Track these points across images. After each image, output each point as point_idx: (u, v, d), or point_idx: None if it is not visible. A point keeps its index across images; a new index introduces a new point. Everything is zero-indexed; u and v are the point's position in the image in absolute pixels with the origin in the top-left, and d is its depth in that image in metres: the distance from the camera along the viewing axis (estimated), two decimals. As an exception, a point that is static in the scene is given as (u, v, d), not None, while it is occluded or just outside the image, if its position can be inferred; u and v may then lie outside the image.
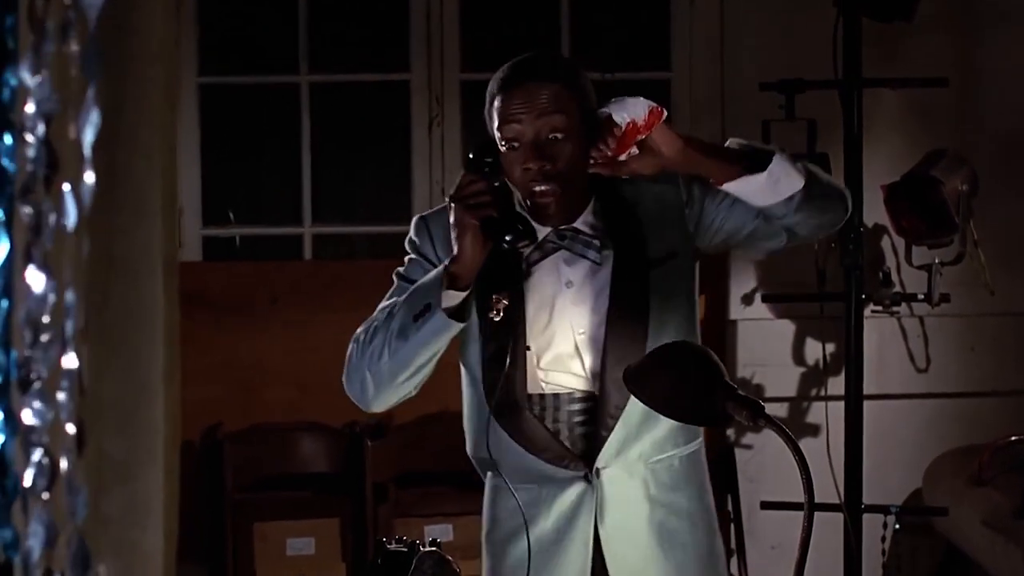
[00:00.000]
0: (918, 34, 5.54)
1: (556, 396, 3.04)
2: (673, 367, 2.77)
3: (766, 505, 5.45)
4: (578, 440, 3.04)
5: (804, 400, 5.88)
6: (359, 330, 3.01)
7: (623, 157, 2.86)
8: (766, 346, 5.86)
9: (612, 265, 3.00)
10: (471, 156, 2.93)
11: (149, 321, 1.37)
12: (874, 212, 5.46)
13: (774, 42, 5.76)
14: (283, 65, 6.04)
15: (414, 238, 3.10)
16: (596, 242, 3.01)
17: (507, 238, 2.87)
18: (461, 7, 6.03)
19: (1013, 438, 5.32)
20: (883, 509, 5.26)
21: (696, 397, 2.71)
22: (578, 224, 3.03)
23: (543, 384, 3.03)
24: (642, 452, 3.05)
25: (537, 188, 2.92)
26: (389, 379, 2.96)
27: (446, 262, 2.90)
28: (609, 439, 3.01)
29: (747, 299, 5.86)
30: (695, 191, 3.03)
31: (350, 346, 3.01)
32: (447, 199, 2.90)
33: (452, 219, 2.87)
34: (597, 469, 3.02)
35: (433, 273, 2.92)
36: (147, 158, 1.42)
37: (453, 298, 2.88)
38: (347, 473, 5.76)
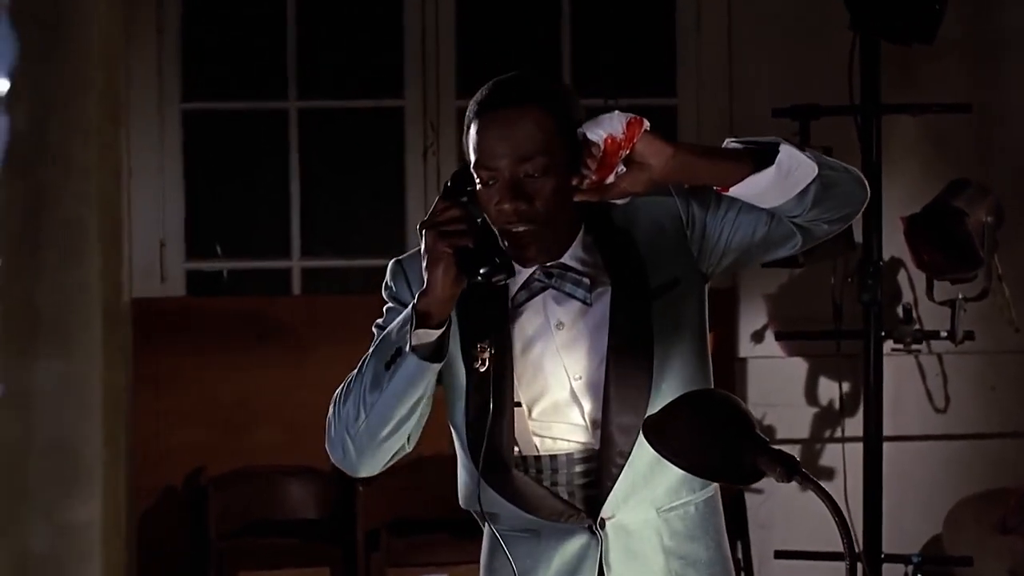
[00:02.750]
0: (936, 59, 5.43)
1: (553, 458, 2.80)
2: (698, 418, 2.52)
3: (780, 554, 5.28)
4: (579, 492, 2.80)
5: (817, 442, 5.74)
6: (337, 390, 2.77)
7: (610, 179, 2.60)
8: (777, 385, 5.69)
9: (610, 300, 2.75)
10: (448, 184, 2.69)
11: (84, 394, 1.10)
12: (890, 245, 5.31)
13: (785, 67, 5.66)
14: (271, 90, 5.95)
15: (390, 283, 2.85)
16: (586, 279, 2.75)
17: (482, 271, 2.62)
18: (457, 30, 5.93)
19: (1040, 484, 5.14)
20: (904, 559, 5.12)
21: (724, 452, 2.48)
22: (566, 259, 2.78)
23: (536, 443, 2.79)
24: (654, 499, 2.79)
25: (514, 229, 2.68)
26: (369, 439, 2.71)
27: (415, 299, 2.65)
28: (615, 488, 2.76)
29: (757, 336, 5.72)
30: (694, 211, 2.78)
31: (329, 408, 2.76)
32: (418, 227, 2.66)
33: (423, 247, 2.64)
34: (602, 519, 2.77)
35: (403, 314, 2.68)
36: (82, 182, 1.14)
37: (425, 337, 2.64)
38: (337, 520, 5.66)
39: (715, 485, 2.88)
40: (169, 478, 5.66)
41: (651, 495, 2.78)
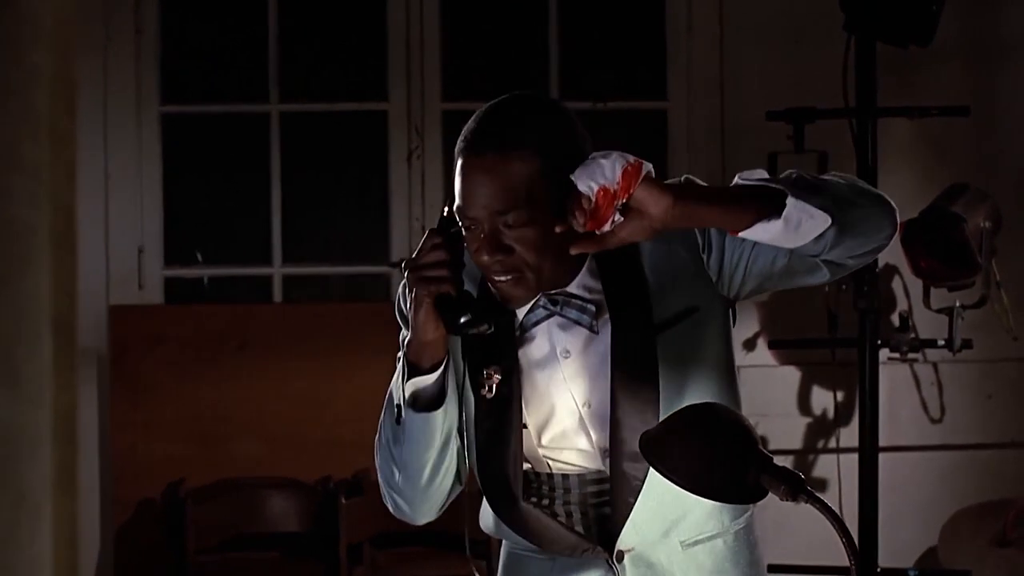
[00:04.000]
0: (932, 61, 5.37)
1: (565, 477, 2.69)
2: (697, 434, 2.40)
3: (773, 568, 5.13)
4: (593, 514, 2.69)
5: (810, 453, 5.65)
6: (376, 438, 2.71)
7: (606, 227, 2.43)
8: (769, 395, 5.61)
9: (611, 333, 2.63)
10: (442, 215, 2.57)
11: (30, 421, 0.98)
12: (885, 251, 5.09)
13: (778, 69, 5.58)
14: (252, 93, 5.88)
15: (404, 308, 2.70)
16: (591, 307, 2.63)
17: (462, 320, 2.52)
18: (443, 32, 5.85)
19: (1040, 495, 5.05)
20: (901, 573, 5.06)
21: (725, 469, 2.37)
22: (572, 288, 2.65)
23: (547, 462, 2.69)
24: (677, 532, 2.67)
25: (496, 279, 2.57)
26: (412, 490, 2.67)
27: (405, 347, 2.58)
28: (630, 518, 2.63)
29: (749, 344, 5.64)
30: (711, 235, 2.62)
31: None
32: (402, 267, 2.57)
33: (407, 288, 2.56)
34: (620, 552, 2.66)
35: (398, 367, 2.61)
36: (32, 181, 1.01)
37: (423, 383, 2.57)
38: (320, 533, 5.56)
39: (749, 513, 2.77)
40: (147, 491, 5.58)
41: (674, 528, 2.67)
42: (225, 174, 5.97)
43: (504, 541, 2.81)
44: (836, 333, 5.21)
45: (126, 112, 5.67)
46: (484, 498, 2.75)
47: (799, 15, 5.56)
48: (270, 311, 5.81)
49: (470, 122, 2.57)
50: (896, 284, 5.60)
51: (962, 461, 5.69)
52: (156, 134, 5.77)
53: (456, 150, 2.56)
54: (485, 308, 2.55)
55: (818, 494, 2.33)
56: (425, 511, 2.70)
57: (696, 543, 2.68)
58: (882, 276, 5.30)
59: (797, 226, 2.44)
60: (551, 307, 2.64)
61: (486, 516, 2.76)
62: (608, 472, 2.64)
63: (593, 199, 2.39)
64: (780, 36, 5.61)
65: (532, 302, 2.63)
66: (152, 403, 5.55)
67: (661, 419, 2.58)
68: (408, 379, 2.55)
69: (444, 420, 2.60)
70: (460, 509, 2.75)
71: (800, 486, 2.31)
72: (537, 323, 2.65)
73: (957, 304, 5.15)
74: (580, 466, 2.67)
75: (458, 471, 2.69)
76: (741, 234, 2.47)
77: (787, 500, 2.32)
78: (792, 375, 5.64)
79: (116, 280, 5.66)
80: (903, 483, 5.57)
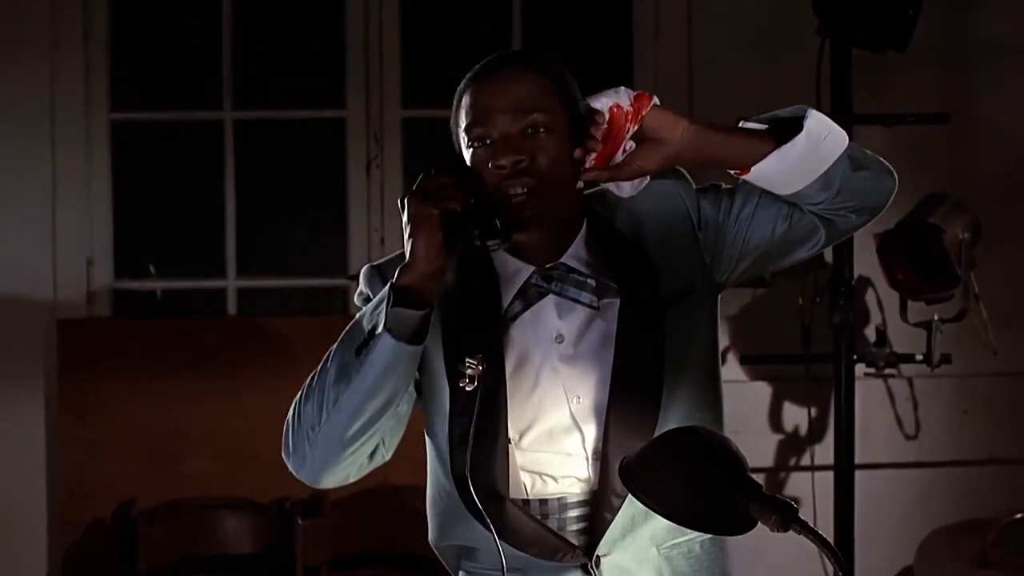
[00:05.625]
0: (906, 68, 5.31)
1: (543, 502, 2.52)
2: (681, 461, 2.26)
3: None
4: (573, 528, 2.53)
5: (783, 471, 5.57)
6: (299, 394, 2.48)
7: (619, 156, 2.38)
8: (740, 411, 5.44)
9: (619, 309, 2.48)
10: (433, 169, 2.43)
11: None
12: (858, 264, 5.15)
13: (749, 74, 5.49)
14: (205, 100, 5.79)
15: (364, 289, 2.57)
16: (591, 281, 2.49)
17: (476, 232, 2.35)
18: (402, 37, 5.76)
19: (1020, 515, 4.95)
20: None
21: (712, 499, 2.24)
22: (567, 259, 2.51)
23: (525, 483, 2.51)
24: (654, 535, 2.53)
25: (512, 190, 2.41)
26: (333, 439, 2.42)
27: (394, 276, 2.37)
28: (613, 523, 2.49)
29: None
30: (706, 211, 2.52)
31: (288, 412, 2.48)
32: (400, 199, 2.39)
33: (405, 216, 2.36)
34: (597, 556, 2.51)
35: (379, 295, 2.40)
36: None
37: (405, 318, 2.35)
38: (276, 555, 5.47)
39: None
40: (97, 511, 5.47)
41: (651, 530, 2.52)
42: (177, 183, 5.89)
43: (459, 573, 2.63)
44: (810, 348, 5.17)
45: (74, 119, 5.57)
46: (441, 506, 2.57)
47: (771, 19, 5.50)
48: (224, 325, 5.72)
49: (472, 70, 2.50)
50: (870, 297, 5.53)
51: (937, 479, 5.64)
52: (105, 142, 5.68)
53: (460, 91, 2.49)
54: (499, 221, 2.38)
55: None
56: (334, 472, 2.47)
57: (673, 547, 2.56)
58: (856, 289, 5.22)
59: (817, 144, 2.36)
60: (545, 284, 2.49)
61: (446, 526, 2.58)
62: (595, 479, 2.49)
63: (606, 115, 2.35)
64: (750, 40, 5.54)
65: (524, 280, 2.49)
66: (102, 420, 5.46)
67: (660, 411, 2.47)
68: (393, 306, 2.34)
69: (412, 369, 2.41)
70: (422, 529, 2.61)
71: (792, 516, 2.20)
72: (528, 306, 2.50)
73: (936, 318, 5.11)
74: (562, 479, 2.51)
75: (380, 444, 2.48)
76: (754, 169, 2.38)
77: (778, 530, 2.21)
78: (764, 391, 5.56)
79: (64, 293, 5.56)
80: (877, 501, 5.51)
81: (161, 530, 5.43)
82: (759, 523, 2.23)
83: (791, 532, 2.20)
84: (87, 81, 5.60)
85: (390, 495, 5.17)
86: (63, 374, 5.45)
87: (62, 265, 5.56)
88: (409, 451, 2.63)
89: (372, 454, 2.49)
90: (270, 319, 5.73)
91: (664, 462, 2.25)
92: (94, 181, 5.64)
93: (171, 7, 5.84)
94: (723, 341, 5.38)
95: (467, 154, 2.44)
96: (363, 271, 2.59)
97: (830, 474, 5.03)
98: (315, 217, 5.87)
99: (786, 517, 2.18)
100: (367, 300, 2.51)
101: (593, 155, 2.37)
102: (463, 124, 2.45)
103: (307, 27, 5.85)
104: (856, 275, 5.20)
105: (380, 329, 2.33)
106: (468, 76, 2.48)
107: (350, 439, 2.42)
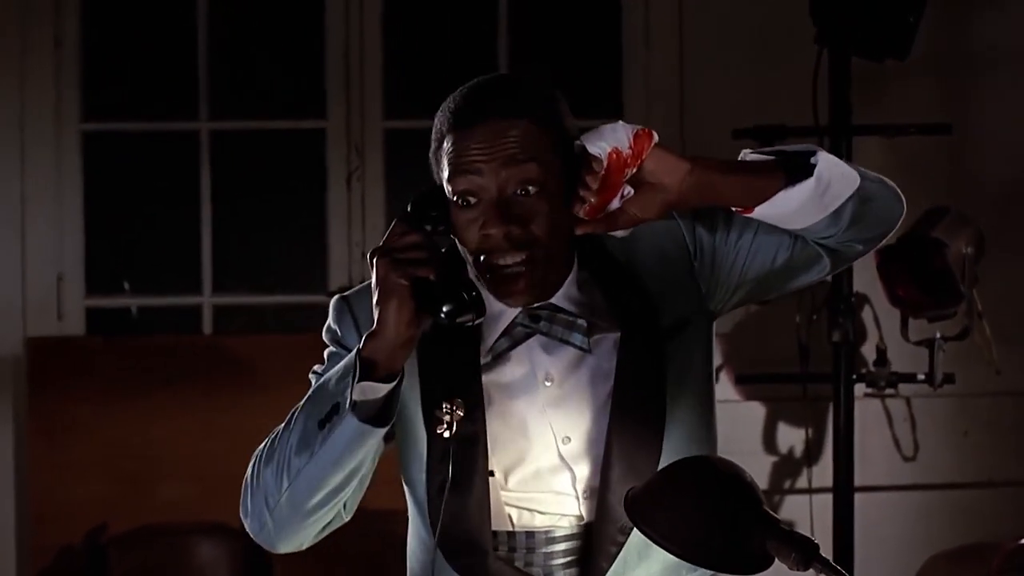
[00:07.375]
0: (905, 77, 5.24)
1: (530, 535, 2.39)
2: (692, 494, 2.15)
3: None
4: (560, 562, 2.41)
5: (778, 493, 5.51)
6: (260, 446, 2.38)
7: (616, 203, 2.23)
8: (734, 432, 5.28)
9: (619, 345, 2.37)
10: (409, 208, 2.30)
11: None
12: (858, 280, 5.08)
13: (742, 85, 5.43)
14: (180, 110, 5.75)
15: (333, 325, 2.49)
16: (581, 322, 2.36)
17: (445, 308, 2.21)
18: (384, 46, 5.69)
19: (1024, 541, 4.89)
20: None
21: (726, 535, 2.13)
22: (557, 300, 2.38)
23: (511, 516, 2.39)
24: None
25: (502, 261, 2.28)
26: (291, 511, 2.32)
27: (361, 343, 2.25)
28: (611, 570, 2.38)
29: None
30: (702, 237, 2.42)
31: (248, 467, 2.38)
32: (368, 255, 2.27)
33: (374, 279, 2.24)
34: None
35: (345, 359, 2.28)
36: None
37: (371, 392, 2.23)
38: None
39: None
40: (67, 536, 5.39)
41: (644, 573, 2.41)
42: (151, 197, 5.85)
43: None
44: (808, 367, 5.11)
45: (44, 129, 5.51)
46: (420, 548, 2.46)
47: (765, 28, 5.44)
48: (200, 343, 5.68)
49: (453, 98, 2.34)
50: (867, 315, 5.47)
51: (936, 501, 5.59)
52: (77, 153, 5.61)
53: (442, 127, 2.33)
54: (472, 294, 2.24)
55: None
56: (293, 541, 2.39)
57: None
58: (855, 306, 5.19)
59: (827, 188, 2.25)
60: (532, 324, 2.36)
61: (423, 570, 2.45)
62: (589, 517, 2.37)
63: (604, 162, 2.19)
64: (743, 50, 5.49)
65: (510, 320, 2.36)
66: (72, 442, 5.39)
67: (662, 448, 2.37)
68: (359, 380, 2.22)
69: (377, 445, 2.29)
70: (401, 555, 2.51)
71: (813, 552, 2.12)
72: (514, 346, 2.37)
73: (938, 336, 5.05)
74: (551, 514, 2.39)
75: (345, 503, 2.38)
76: (759, 209, 2.27)
77: (798, 569, 2.12)
78: (759, 411, 5.50)
79: (33, 310, 5.49)
80: (875, 524, 5.45)
81: (133, 557, 5.39)
82: (776, 560, 2.13)
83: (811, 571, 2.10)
84: (58, 90, 5.55)
85: (369, 520, 4.99)
86: (33, 394, 5.38)
87: (32, 281, 5.51)
88: (387, 474, 2.53)
89: (332, 520, 2.40)
90: (247, 337, 5.70)
91: (674, 495, 2.15)
92: (65, 194, 5.58)
93: (145, 14, 5.81)
94: (717, 360, 5.32)
95: (452, 209, 2.31)
96: (333, 303, 2.51)
97: (828, 497, 4.98)
98: (294, 232, 5.85)
99: (806, 554, 2.10)
100: (335, 337, 2.45)
101: (588, 205, 2.24)
102: (445, 173, 2.31)
103: (286, 35, 5.84)
104: (855, 292, 5.15)
105: (344, 408, 2.23)
106: (451, 110, 2.33)
107: (310, 510, 2.33)
